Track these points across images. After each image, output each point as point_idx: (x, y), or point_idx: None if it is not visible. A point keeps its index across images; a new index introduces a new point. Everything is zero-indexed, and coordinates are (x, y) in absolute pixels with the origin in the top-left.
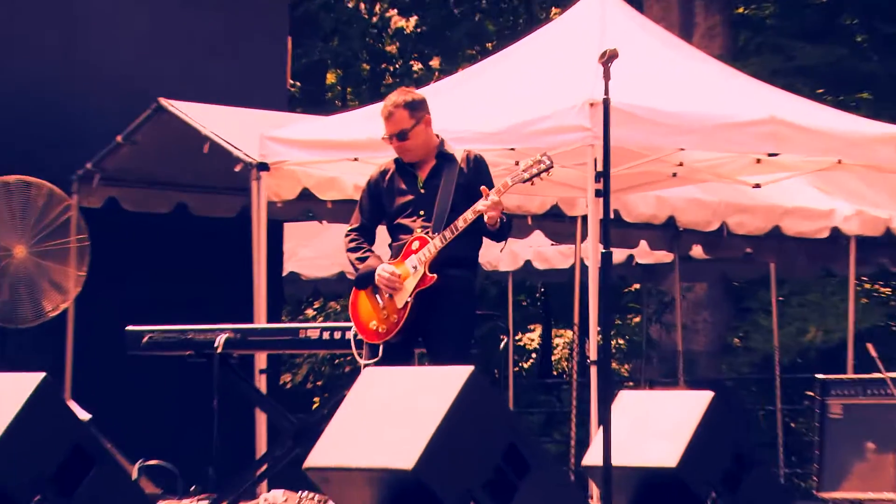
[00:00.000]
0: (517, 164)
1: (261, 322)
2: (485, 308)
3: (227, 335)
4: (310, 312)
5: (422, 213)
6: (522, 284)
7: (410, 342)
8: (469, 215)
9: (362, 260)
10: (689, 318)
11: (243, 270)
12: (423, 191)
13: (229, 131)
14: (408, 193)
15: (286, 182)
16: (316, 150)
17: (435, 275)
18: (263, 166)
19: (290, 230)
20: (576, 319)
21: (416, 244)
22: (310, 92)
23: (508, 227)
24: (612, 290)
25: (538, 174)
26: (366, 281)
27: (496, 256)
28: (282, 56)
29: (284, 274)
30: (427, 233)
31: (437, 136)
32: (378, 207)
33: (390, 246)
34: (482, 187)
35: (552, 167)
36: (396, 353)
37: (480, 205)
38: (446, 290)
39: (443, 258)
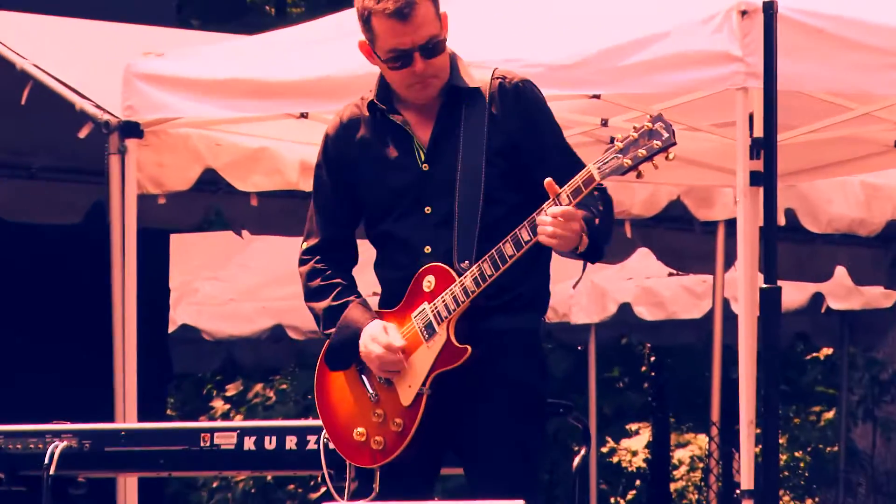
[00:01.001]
0: (612, 140)
1: (128, 419)
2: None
3: (65, 443)
4: (219, 405)
5: (428, 210)
6: (616, 348)
7: (432, 459)
8: (528, 233)
9: (333, 314)
10: None
11: (96, 322)
12: (425, 166)
13: (69, 64)
14: (399, 169)
15: (174, 158)
16: (230, 100)
17: (468, 347)
18: (132, 129)
19: (184, 249)
20: (714, 415)
21: (429, 281)
22: None
23: (608, 233)
24: (782, 359)
25: (649, 157)
26: (344, 355)
27: (566, 297)
28: None
29: (172, 330)
30: (451, 259)
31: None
32: (353, 197)
33: (378, 267)
34: (546, 181)
35: (674, 143)
36: (408, 478)
37: (555, 210)
38: (496, 360)
39: (484, 296)
